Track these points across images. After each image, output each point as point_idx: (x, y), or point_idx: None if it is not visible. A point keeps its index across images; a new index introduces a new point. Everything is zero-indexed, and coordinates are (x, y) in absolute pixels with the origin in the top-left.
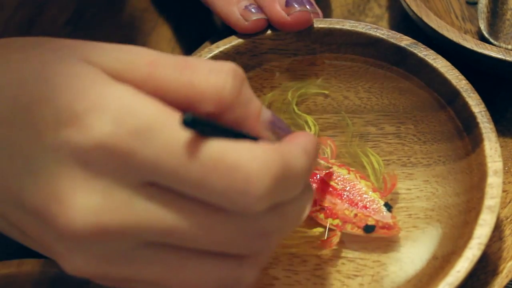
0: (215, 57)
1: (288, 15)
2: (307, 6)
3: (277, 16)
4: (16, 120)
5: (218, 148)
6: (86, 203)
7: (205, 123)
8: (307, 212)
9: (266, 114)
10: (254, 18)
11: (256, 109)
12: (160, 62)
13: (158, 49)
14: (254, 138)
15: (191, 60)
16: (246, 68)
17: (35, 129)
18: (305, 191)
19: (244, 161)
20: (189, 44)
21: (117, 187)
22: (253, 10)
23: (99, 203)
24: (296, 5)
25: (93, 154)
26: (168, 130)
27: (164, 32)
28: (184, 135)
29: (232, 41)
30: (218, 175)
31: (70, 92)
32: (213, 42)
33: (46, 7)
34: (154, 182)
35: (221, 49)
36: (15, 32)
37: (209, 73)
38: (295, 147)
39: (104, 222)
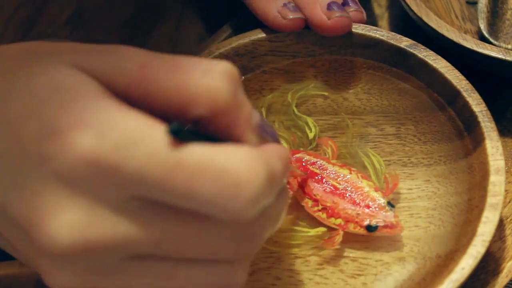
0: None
1: (328, 19)
2: (351, 5)
3: (318, 19)
4: (3, 134)
5: (204, 153)
6: (69, 220)
7: (191, 131)
8: (285, 212)
9: (256, 117)
10: (292, 16)
11: (247, 113)
12: (150, 63)
13: (158, 49)
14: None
15: (183, 60)
16: (246, 70)
17: (20, 143)
18: (282, 193)
19: (231, 164)
20: (189, 44)
21: (102, 203)
22: (291, 8)
23: (83, 219)
24: (337, 9)
25: (76, 171)
26: (152, 141)
27: (164, 32)
28: (169, 144)
29: (232, 43)
30: (206, 181)
31: (54, 106)
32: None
33: (46, 7)
34: (140, 196)
35: (221, 50)
36: (15, 32)
37: (203, 75)
38: (272, 152)
39: (88, 238)
